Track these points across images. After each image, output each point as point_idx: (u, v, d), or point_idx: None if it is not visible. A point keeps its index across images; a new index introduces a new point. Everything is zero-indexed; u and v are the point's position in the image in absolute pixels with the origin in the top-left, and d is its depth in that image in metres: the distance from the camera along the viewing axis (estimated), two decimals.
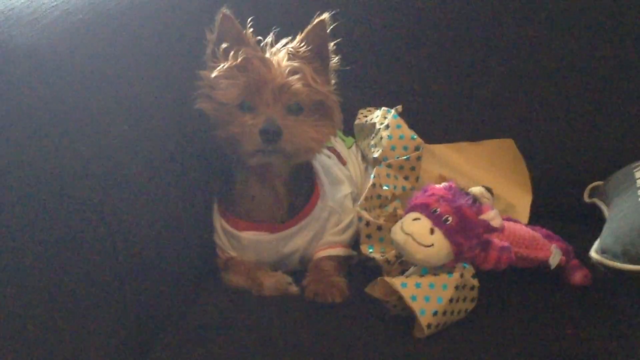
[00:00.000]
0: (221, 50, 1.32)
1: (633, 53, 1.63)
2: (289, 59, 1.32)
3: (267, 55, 1.33)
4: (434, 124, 1.66)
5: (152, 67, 1.33)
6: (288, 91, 1.29)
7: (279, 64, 1.31)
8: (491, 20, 1.67)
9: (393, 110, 1.55)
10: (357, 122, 1.61)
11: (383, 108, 1.58)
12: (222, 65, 1.31)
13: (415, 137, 1.49)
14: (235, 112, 1.30)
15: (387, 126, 1.51)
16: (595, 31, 1.64)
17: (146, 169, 1.26)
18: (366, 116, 1.60)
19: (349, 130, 1.61)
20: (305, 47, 1.33)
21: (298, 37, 1.34)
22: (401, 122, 1.52)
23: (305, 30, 1.34)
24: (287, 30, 1.36)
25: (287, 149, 1.27)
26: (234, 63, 1.30)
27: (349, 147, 1.59)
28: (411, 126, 1.52)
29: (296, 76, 1.29)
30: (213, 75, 1.31)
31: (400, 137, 1.49)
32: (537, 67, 1.65)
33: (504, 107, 1.66)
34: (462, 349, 1.14)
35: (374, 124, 1.55)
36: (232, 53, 1.30)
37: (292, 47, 1.33)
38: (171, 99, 1.34)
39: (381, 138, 1.50)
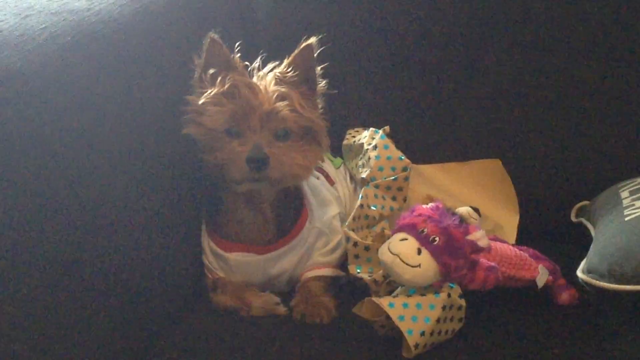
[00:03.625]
0: (208, 75, 1.32)
1: (619, 73, 1.64)
2: (276, 84, 1.32)
3: (255, 80, 1.34)
4: (421, 144, 1.66)
5: (140, 89, 1.33)
6: (275, 117, 1.29)
7: (266, 90, 1.31)
8: (477, 41, 1.68)
9: (381, 131, 1.56)
10: (345, 142, 1.61)
11: (371, 129, 1.59)
12: (209, 91, 1.31)
13: (402, 157, 1.50)
14: (222, 138, 1.30)
15: (375, 147, 1.51)
16: (580, 51, 1.65)
17: (135, 190, 1.26)
18: (354, 137, 1.61)
19: (337, 150, 1.61)
20: (292, 72, 1.33)
21: (285, 62, 1.35)
22: (389, 142, 1.52)
23: (292, 55, 1.34)
24: (275, 54, 1.37)
25: (274, 177, 1.27)
26: (221, 89, 1.30)
27: (337, 168, 1.59)
28: (399, 146, 1.53)
29: (283, 102, 1.29)
30: (200, 101, 1.31)
31: (388, 158, 1.49)
32: (524, 87, 1.66)
33: (491, 128, 1.67)
34: None
35: (362, 144, 1.55)
36: (219, 79, 1.30)
37: (279, 72, 1.33)
38: (160, 122, 1.34)
39: (369, 158, 1.51)
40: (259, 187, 1.32)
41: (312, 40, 1.33)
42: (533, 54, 1.66)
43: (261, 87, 1.31)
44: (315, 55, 1.34)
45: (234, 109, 1.29)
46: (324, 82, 1.37)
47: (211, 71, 1.32)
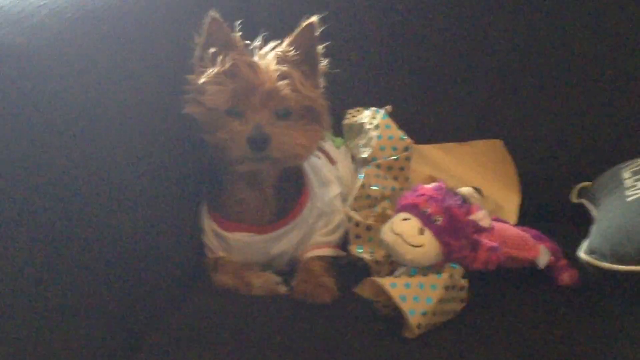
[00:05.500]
0: (209, 54, 1.31)
1: (621, 54, 1.63)
2: (277, 63, 1.31)
3: (256, 59, 1.33)
4: (423, 124, 1.66)
5: (141, 66, 1.32)
6: (276, 96, 1.28)
7: (267, 69, 1.30)
8: (480, 20, 1.67)
9: (382, 111, 1.55)
10: (346, 122, 1.61)
11: (372, 108, 1.58)
12: (210, 70, 1.30)
13: (404, 137, 1.50)
14: (223, 118, 1.30)
15: (377, 126, 1.51)
16: (583, 32, 1.64)
17: (135, 169, 1.25)
18: (355, 116, 1.60)
19: (338, 130, 1.61)
20: (293, 51, 1.32)
21: (286, 40, 1.34)
22: (390, 122, 1.52)
23: (294, 34, 1.33)
24: (277, 33, 1.36)
25: (275, 156, 1.27)
26: (222, 69, 1.29)
27: (338, 147, 1.59)
28: (400, 126, 1.52)
29: (284, 81, 1.29)
30: (201, 81, 1.30)
31: (390, 138, 1.49)
32: (526, 68, 1.66)
33: (492, 108, 1.66)
34: (451, 350, 1.14)
35: (363, 124, 1.55)
36: (220, 58, 1.29)
37: (280, 51, 1.33)
38: (161, 99, 1.34)
39: (370, 138, 1.50)
40: (260, 166, 1.31)
41: (314, 19, 1.32)
42: (536, 33, 1.66)
43: (262, 66, 1.30)
44: (316, 34, 1.33)
45: (234, 89, 1.28)
46: (326, 61, 1.36)
47: (212, 50, 1.31)
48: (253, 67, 1.30)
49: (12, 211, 1.01)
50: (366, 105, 1.61)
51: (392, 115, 1.55)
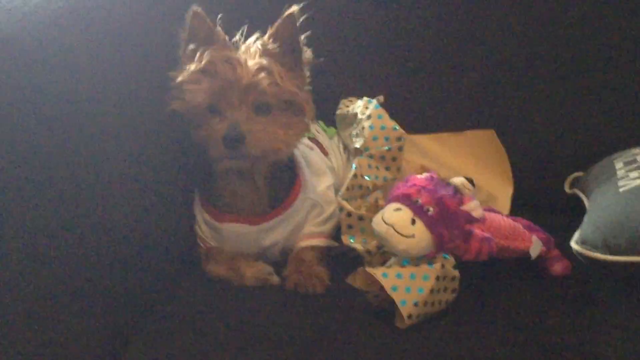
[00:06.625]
0: (188, 51, 1.30)
1: (614, 45, 1.63)
2: (258, 57, 1.29)
3: (237, 53, 1.31)
4: (415, 114, 1.66)
5: (133, 57, 1.32)
6: (254, 91, 1.27)
7: (245, 63, 1.28)
8: (473, 10, 1.67)
9: (375, 101, 1.55)
10: (338, 112, 1.60)
11: (365, 98, 1.58)
12: (187, 68, 1.29)
13: (397, 127, 1.49)
14: (204, 115, 1.30)
15: (369, 116, 1.50)
16: (576, 23, 1.64)
17: (128, 159, 1.25)
18: (348, 106, 1.60)
19: (330, 120, 1.61)
20: (274, 43, 1.31)
21: (268, 32, 1.32)
22: (383, 112, 1.51)
23: (275, 25, 1.32)
24: (262, 23, 1.34)
25: (252, 154, 1.27)
26: (198, 66, 1.28)
27: (331, 138, 1.59)
28: (393, 116, 1.51)
29: (262, 74, 1.27)
30: (178, 80, 1.30)
31: (382, 128, 1.48)
32: (519, 58, 1.66)
33: (485, 98, 1.66)
34: (443, 340, 1.14)
35: (356, 114, 1.54)
36: (197, 55, 1.29)
37: (260, 44, 1.31)
38: (153, 90, 1.33)
39: (363, 128, 1.50)
40: (238, 164, 1.31)
41: (294, 9, 1.30)
42: (530, 24, 1.65)
43: (240, 61, 1.29)
44: (297, 24, 1.31)
45: (211, 87, 1.28)
46: (309, 51, 1.35)
47: (191, 47, 1.30)
48: (231, 62, 1.28)
49: (8, 202, 1.01)
50: (359, 95, 1.61)
51: (384, 105, 1.55)
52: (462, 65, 1.67)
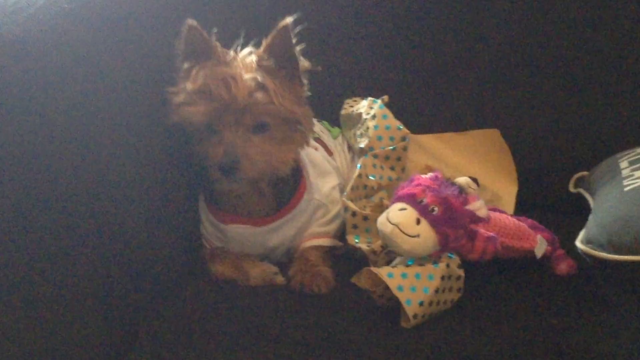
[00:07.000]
0: (184, 69, 1.29)
1: (618, 45, 1.63)
2: (253, 72, 1.27)
3: (234, 65, 1.28)
4: (420, 114, 1.65)
5: (139, 58, 1.32)
6: (250, 112, 1.26)
7: (240, 80, 1.25)
8: (477, 10, 1.67)
9: (379, 101, 1.55)
10: (343, 112, 1.60)
11: (369, 98, 1.58)
12: (183, 87, 1.28)
13: (401, 127, 1.49)
14: (203, 132, 1.29)
15: (374, 116, 1.51)
16: (580, 22, 1.63)
17: (133, 160, 1.25)
18: (352, 106, 1.60)
19: (335, 120, 1.61)
20: (269, 57, 1.28)
21: (263, 44, 1.30)
22: (387, 112, 1.52)
23: (269, 37, 1.28)
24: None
25: (247, 177, 1.27)
26: (194, 87, 1.26)
27: (335, 138, 1.59)
28: (397, 116, 1.52)
29: (258, 94, 1.25)
30: (175, 100, 1.29)
31: (387, 128, 1.49)
32: (523, 57, 1.65)
33: (490, 98, 1.66)
34: (448, 339, 1.14)
35: (360, 114, 1.54)
36: (193, 73, 1.27)
37: (256, 59, 1.29)
38: (159, 90, 1.33)
39: (367, 128, 1.50)
40: (235, 186, 1.31)
41: (288, 20, 1.26)
42: (533, 23, 1.65)
43: (237, 77, 1.26)
44: (291, 35, 1.27)
45: (207, 109, 1.26)
46: (306, 61, 1.32)
47: (186, 65, 1.29)
48: (226, 82, 1.25)
49: (13, 204, 1.01)
50: (363, 95, 1.61)
51: (389, 105, 1.55)
52: (466, 64, 1.67)
